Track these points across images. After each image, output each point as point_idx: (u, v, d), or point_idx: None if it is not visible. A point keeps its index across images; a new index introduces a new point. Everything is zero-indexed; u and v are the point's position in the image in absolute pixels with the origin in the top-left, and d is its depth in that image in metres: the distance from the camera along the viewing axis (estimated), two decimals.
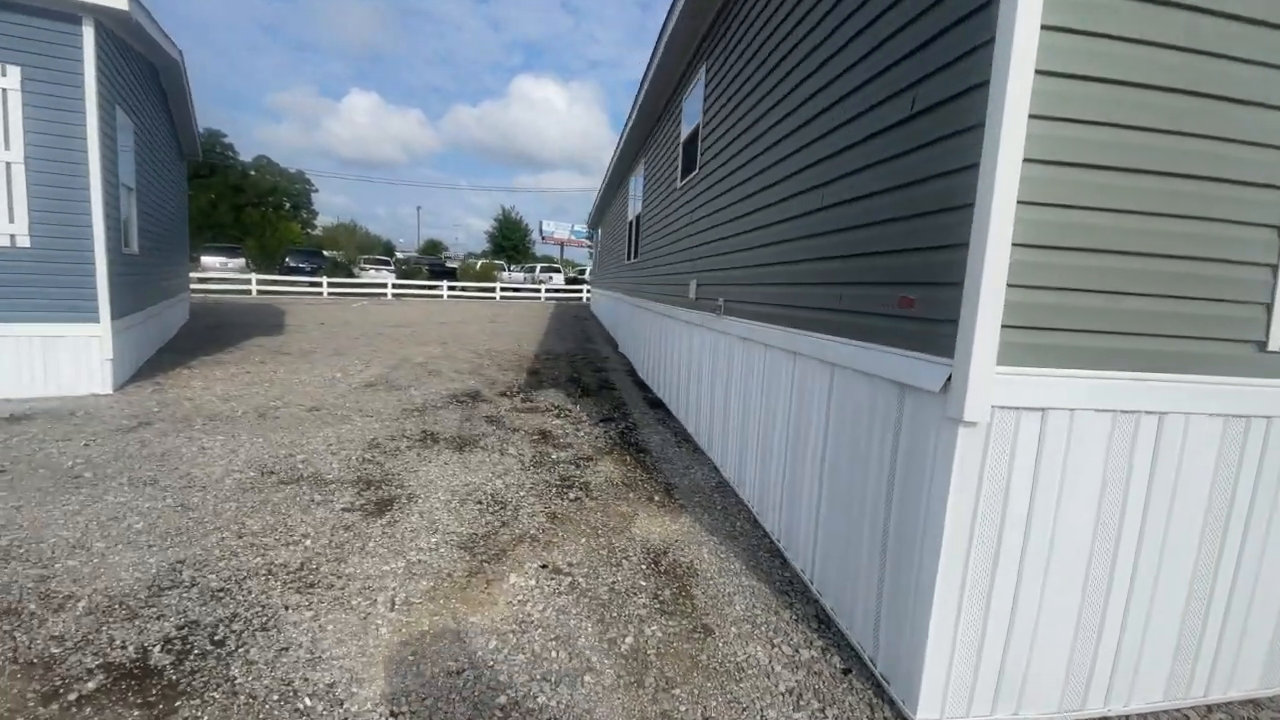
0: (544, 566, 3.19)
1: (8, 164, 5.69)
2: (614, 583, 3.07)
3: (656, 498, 4.25)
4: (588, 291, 30.41)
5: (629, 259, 11.70)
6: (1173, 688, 2.42)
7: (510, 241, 57.20)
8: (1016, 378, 2.01)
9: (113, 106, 6.49)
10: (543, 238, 59.52)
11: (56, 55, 5.71)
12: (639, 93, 8.87)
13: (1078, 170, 1.97)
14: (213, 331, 11.68)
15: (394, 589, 2.91)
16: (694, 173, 6.06)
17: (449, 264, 37.98)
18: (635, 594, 2.98)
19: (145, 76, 8.32)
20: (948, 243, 2.09)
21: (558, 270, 37.15)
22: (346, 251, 34.27)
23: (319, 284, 25.50)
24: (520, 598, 2.89)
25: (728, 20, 4.99)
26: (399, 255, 44.84)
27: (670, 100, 7.80)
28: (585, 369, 9.72)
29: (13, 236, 5.79)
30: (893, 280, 2.44)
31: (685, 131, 6.60)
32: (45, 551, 3.10)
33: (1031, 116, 1.88)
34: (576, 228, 59.56)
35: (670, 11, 6.07)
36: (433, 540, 3.42)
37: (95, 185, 5.97)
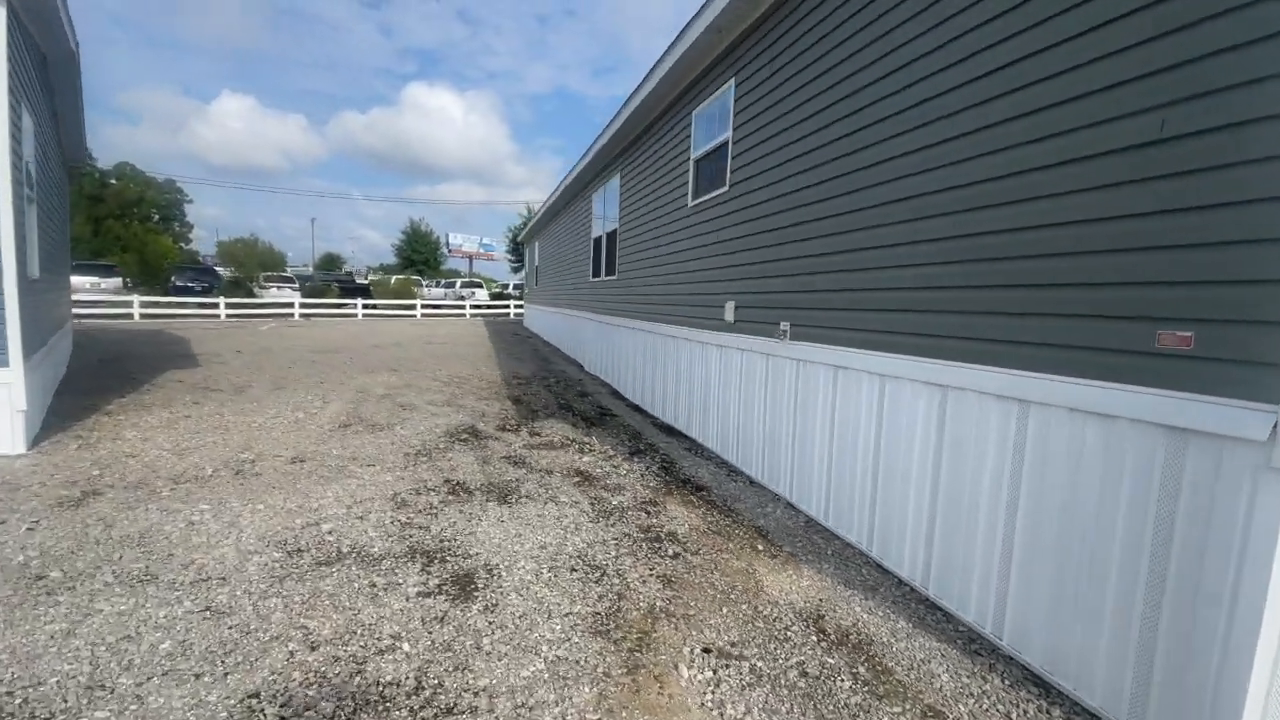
0: (707, 650, 2.74)
1: None
2: (799, 663, 2.67)
3: (759, 546, 3.88)
4: (516, 307, 29.41)
5: (596, 276, 11.25)
6: None
7: (420, 255, 54.45)
8: None
9: (20, 104, 5.30)
10: (449, 251, 57.12)
11: None
12: (619, 111, 8.53)
13: None
14: (111, 366, 9.98)
15: (555, 704, 2.36)
16: (721, 190, 5.78)
17: (358, 280, 35.46)
18: (831, 676, 2.60)
19: (38, 69, 6.95)
20: (1260, 278, 1.92)
21: (480, 285, 35.71)
22: (247, 269, 31.02)
23: (214, 305, 22.88)
24: (710, 697, 2.44)
25: (780, 29, 4.75)
26: (289, 270, 41.40)
27: (664, 115, 7.49)
28: (568, 394, 9.15)
29: None
30: (1142, 315, 2.25)
31: (701, 148, 6.32)
32: (53, 699, 2.27)
33: None
34: (485, 240, 57.77)
35: (691, 23, 5.79)
36: (556, 628, 2.87)
37: (4, 200, 4.81)
